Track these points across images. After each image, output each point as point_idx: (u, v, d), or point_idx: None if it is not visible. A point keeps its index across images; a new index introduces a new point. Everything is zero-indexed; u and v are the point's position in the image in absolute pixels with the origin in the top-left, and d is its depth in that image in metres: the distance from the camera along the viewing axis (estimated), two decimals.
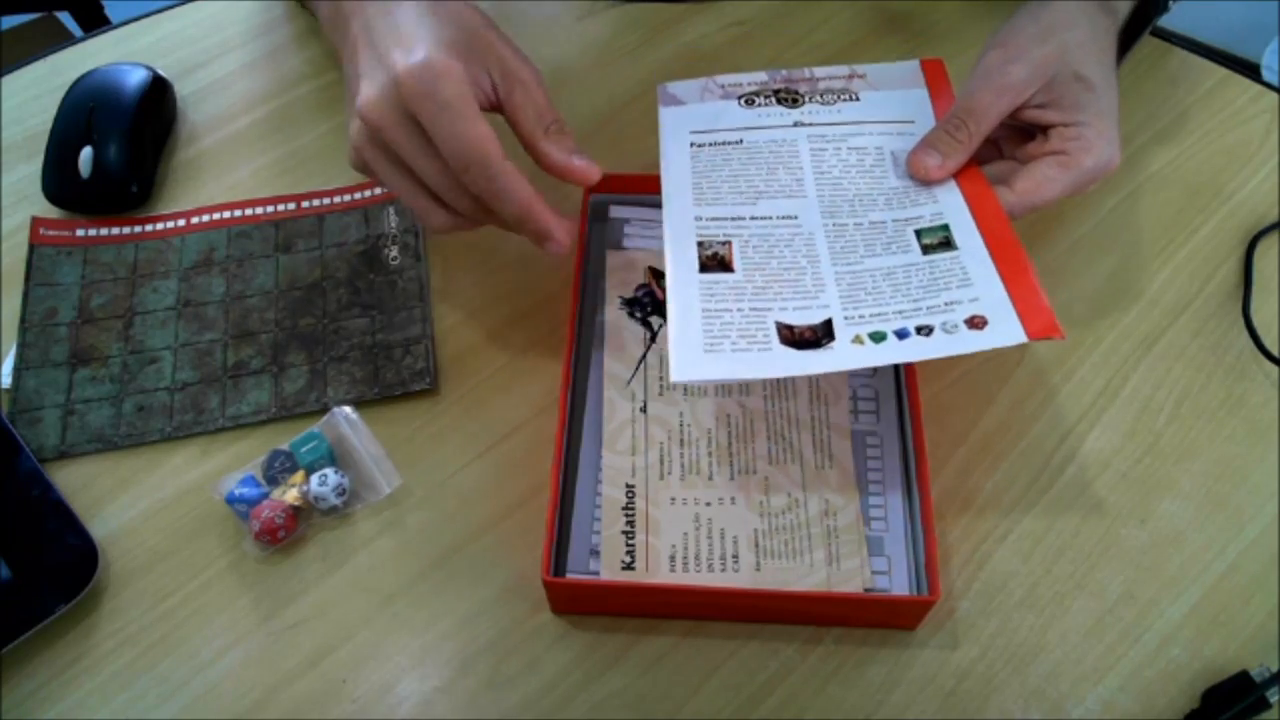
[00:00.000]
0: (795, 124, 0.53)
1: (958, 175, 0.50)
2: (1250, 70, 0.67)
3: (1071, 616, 0.46)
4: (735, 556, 0.45)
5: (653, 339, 0.51)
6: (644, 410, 0.49)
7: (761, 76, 0.56)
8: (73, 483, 0.50)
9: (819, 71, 0.55)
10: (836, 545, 0.45)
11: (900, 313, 0.44)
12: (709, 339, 0.44)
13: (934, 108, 0.53)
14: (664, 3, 0.71)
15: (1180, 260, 0.58)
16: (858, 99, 0.54)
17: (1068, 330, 0.55)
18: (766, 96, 0.54)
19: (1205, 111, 0.65)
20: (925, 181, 0.50)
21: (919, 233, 0.48)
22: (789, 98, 0.54)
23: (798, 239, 0.48)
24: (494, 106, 0.47)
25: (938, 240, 0.47)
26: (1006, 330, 0.42)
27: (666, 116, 0.55)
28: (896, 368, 0.51)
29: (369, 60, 0.44)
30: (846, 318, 0.44)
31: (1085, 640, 0.45)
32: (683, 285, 0.46)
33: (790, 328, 0.44)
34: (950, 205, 0.49)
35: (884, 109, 0.53)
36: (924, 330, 0.43)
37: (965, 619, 0.46)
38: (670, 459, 0.48)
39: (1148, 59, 0.67)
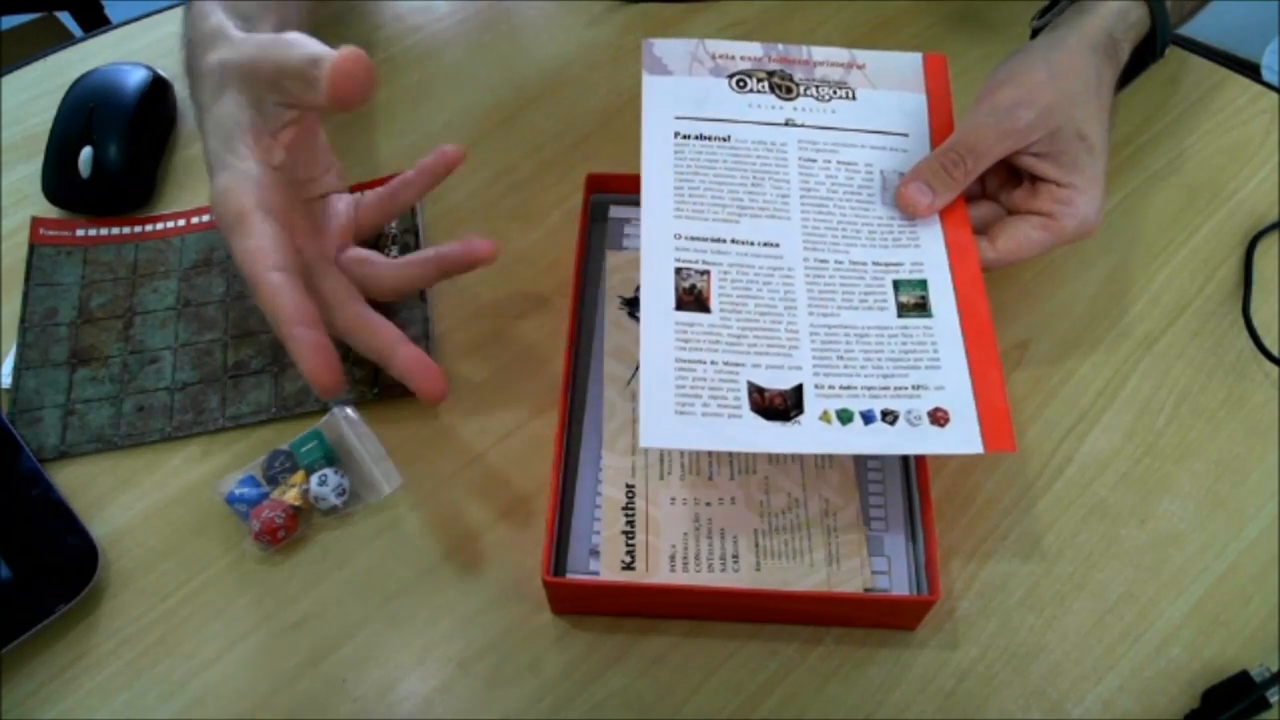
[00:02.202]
0: (786, 122, 0.52)
1: (943, 214, 0.49)
2: (1250, 70, 0.67)
3: (1071, 616, 0.46)
4: (735, 556, 0.45)
5: None
6: None
7: (755, 50, 0.53)
8: (73, 483, 0.50)
9: (817, 53, 0.53)
10: (836, 545, 0.45)
11: (869, 389, 0.45)
12: (680, 398, 0.43)
13: (930, 119, 0.52)
14: (664, 3, 0.71)
15: (1180, 260, 0.58)
16: (854, 98, 0.53)
17: (1067, 330, 0.55)
18: (759, 80, 0.52)
19: (1205, 111, 0.65)
20: (913, 216, 0.49)
21: (897, 285, 0.47)
22: (782, 85, 0.52)
23: (776, 275, 0.47)
24: (297, 105, 0.45)
25: (914, 300, 0.47)
26: (965, 436, 0.43)
27: (650, 89, 0.52)
28: None
29: None
30: (817, 386, 0.45)
31: (1085, 640, 0.45)
32: (657, 325, 0.45)
33: (761, 391, 0.44)
34: (931, 254, 0.48)
35: (879, 115, 0.52)
36: (889, 416, 0.44)
37: (965, 619, 0.46)
38: (670, 459, 0.48)
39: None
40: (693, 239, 0.48)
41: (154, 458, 0.51)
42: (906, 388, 0.45)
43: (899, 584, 0.45)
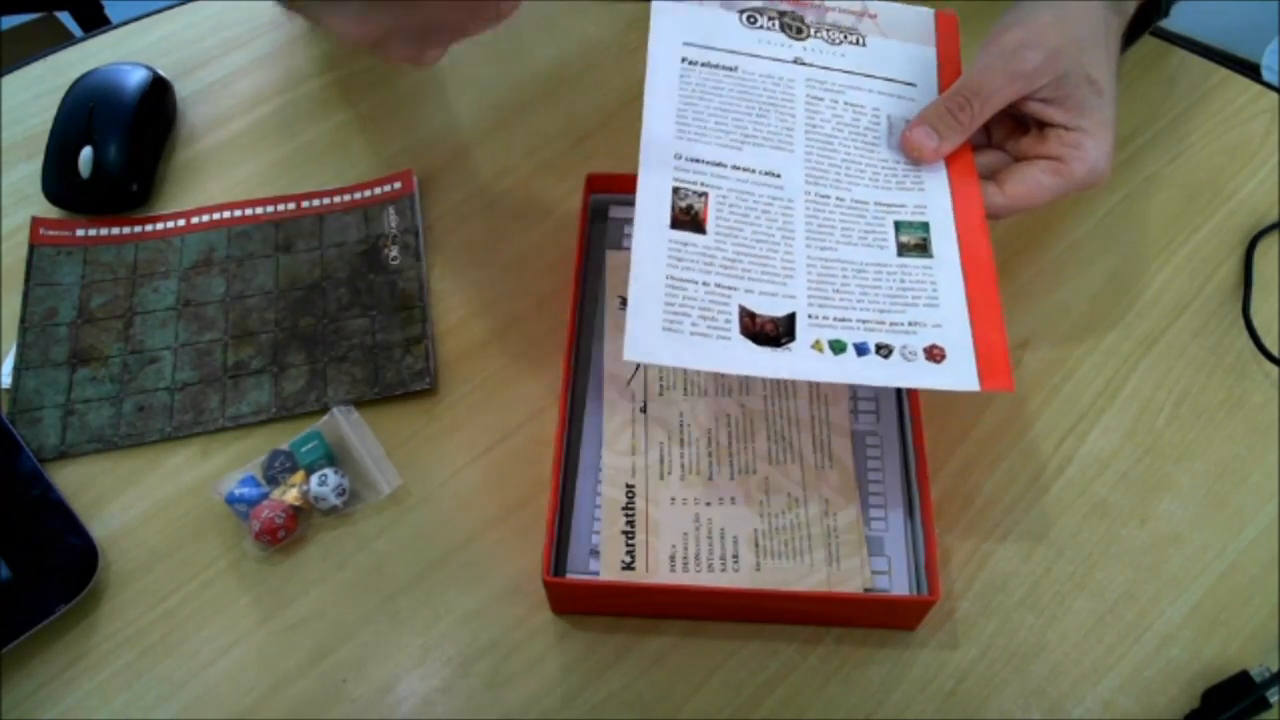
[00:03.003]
0: (795, 60, 0.51)
1: (949, 160, 0.49)
2: (1250, 70, 0.67)
3: (1071, 616, 0.46)
4: (735, 556, 0.45)
5: None
6: (644, 410, 0.49)
7: None
8: (73, 483, 0.50)
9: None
10: (836, 545, 0.45)
11: (864, 323, 0.44)
12: (669, 315, 0.42)
13: (939, 72, 0.51)
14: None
15: (1180, 260, 0.58)
16: (864, 44, 0.52)
17: (1067, 330, 0.55)
18: (770, 17, 0.52)
19: (1205, 111, 0.65)
20: (918, 161, 0.48)
21: (898, 226, 0.47)
22: (793, 26, 0.52)
23: (776, 205, 0.47)
24: None
25: (915, 240, 0.46)
26: (961, 373, 0.42)
27: (660, 14, 0.51)
28: None
29: None
30: (810, 316, 0.44)
31: (1085, 640, 0.45)
32: (651, 240, 0.44)
33: (753, 316, 0.43)
34: (935, 199, 0.48)
35: (888, 63, 0.52)
36: (883, 349, 0.43)
37: (965, 619, 0.46)
38: (670, 459, 0.48)
39: (1148, 59, 0.67)
40: (693, 160, 0.47)
41: (154, 458, 0.51)
42: (903, 323, 0.44)
43: (899, 584, 0.45)
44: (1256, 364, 0.54)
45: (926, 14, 0.53)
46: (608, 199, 0.57)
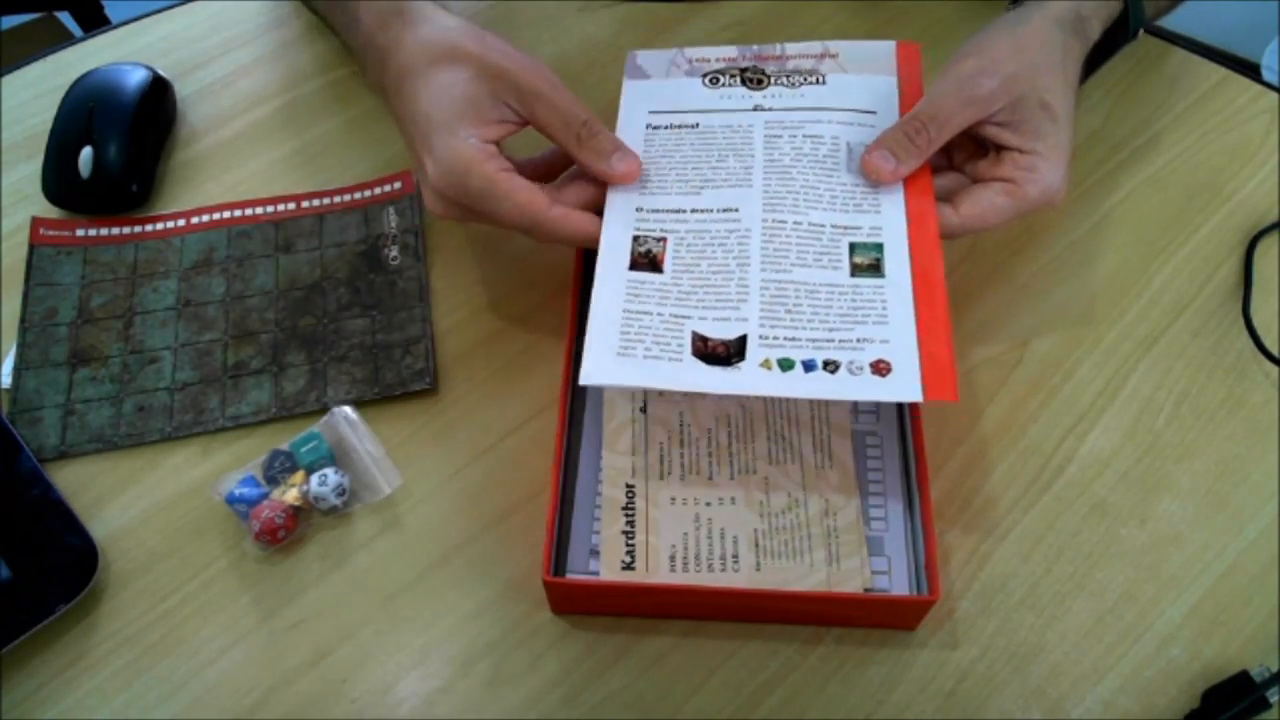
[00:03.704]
0: (755, 108, 0.53)
1: (907, 181, 0.49)
2: (1250, 70, 0.67)
3: (1071, 616, 0.46)
4: (735, 556, 0.45)
5: None
6: (644, 410, 0.49)
7: (731, 52, 0.55)
8: (73, 483, 0.50)
9: (791, 48, 0.54)
10: (836, 545, 0.45)
11: (813, 341, 0.45)
12: (624, 342, 0.45)
13: (900, 99, 0.52)
14: (664, 2, 0.71)
15: (1180, 260, 0.58)
16: (824, 82, 0.53)
17: (1067, 330, 0.55)
18: (732, 75, 0.54)
19: (1205, 111, 0.65)
20: (877, 183, 0.49)
21: (853, 247, 0.47)
22: (754, 78, 0.53)
23: (733, 237, 0.48)
24: (524, 123, 0.50)
25: (868, 261, 0.47)
26: (906, 385, 0.43)
27: (629, 91, 0.54)
28: None
29: (415, 161, 0.49)
30: (762, 336, 0.45)
31: (1085, 640, 0.45)
32: (610, 280, 0.47)
33: (705, 340, 0.45)
34: (891, 220, 0.48)
35: (848, 95, 0.53)
36: (830, 365, 0.44)
37: (965, 619, 0.46)
38: (670, 459, 0.48)
39: (1148, 59, 0.67)
40: (654, 211, 0.49)
41: (154, 458, 0.51)
42: (851, 340, 0.45)
43: (899, 584, 0.45)
44: (1256, 364, 0.54)
45: (888, 47, 0.54)
46: None
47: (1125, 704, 0.44)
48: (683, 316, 0.46)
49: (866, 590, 0.44)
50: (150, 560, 0.48)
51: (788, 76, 0.54)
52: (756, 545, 0.45)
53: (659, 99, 0.54)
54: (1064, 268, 0.57)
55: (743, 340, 0.45)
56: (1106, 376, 0.53)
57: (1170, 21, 0.61)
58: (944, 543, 0.48)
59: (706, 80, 0.54)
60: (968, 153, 0.52)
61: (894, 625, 0.45)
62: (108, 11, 1.26)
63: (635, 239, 0.48)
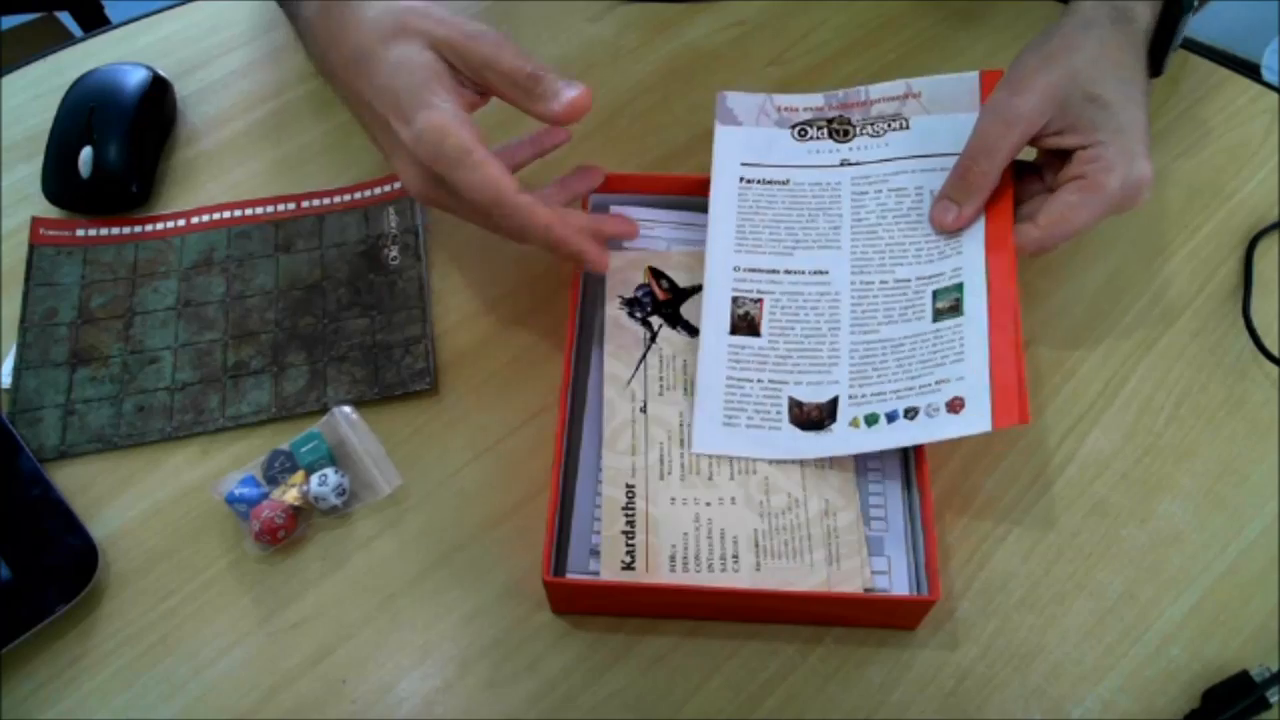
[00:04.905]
0: (842, 163, 0.54)
1: (987, 213, 0.50)
2: (1250, 70, 0.67)
3: (1071, 616, 0.46)
4: (735, 556, 0.45)
5: (653, 339, 0.51)
6: (644, 410, 0.49)
7: (818, 101, 0.56)
8: (73, 483, 0.50)
9: (874, 91, 0.55)
10: (836, 545, 0.45)
11: (896, 392, 0.47)
12: (729, 411, 0.48)
13: None
14: (664, 2, 0.71)
15: (1180, 260, 0.58)
16: (908, 126, 0.54)
17: (1067, 330, 0.55)
18: (819, 127, 0.55)
19: (1205, 111, 0.65)
20: (947, 232, 0.50)
21: (935, 294, 0.49)
22: (840, 130, 0.55)
23: (824, 300, 0.50)
24: (484, 95, 0.48)
25: (949, 304, 0.48)
26: (977, 418, 0.45)
27: (722, 138, 0.56)
28: None
29: (386, 137, 0.48)
30: (851, 397, 0.47)
31: (1085, 640, 0.45)
32: (713, 346, 0.50)
33: (800, 405, 0.48)
34: (970, 258, 0.49)
35: (931, 140, 0.53)
36: (910, 413, 0.46)
37: (965, 619, 0.46)
38: (670, 459, 0.48)
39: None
40: (750, 270, 0.52)
41: (154, 458, 0.51)
42: (930, 384, 0.46)
43: (899, 584, 0.45)
44: (1256, 364, 0.54)
45: (970, 78, 0.54)
46: (608, 199, 0.57)
47: (1125, 704, 0.44)
48: (780, 382, 0.49)
49: (866, 590, 0.44)
50: (150, 560, 0.48)
51: (872, 125, 0.55)
52: (756, 545, 0.45)
53: (751, 149, 0.55)
54: (1064, 268, 0.57)
55: (834, 402, 0.47)
56: (1106, 376, 0.53)
57: None
58: (944, 543, 0.48)
59: (795, 133, 0.56)
60: (1054, 170, 0.51)
61: (894, 625, 0.45)
62: (108, 11, 1.26)
63: (734, 300, 0.51)
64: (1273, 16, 1.63)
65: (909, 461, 0.48)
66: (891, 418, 0.46)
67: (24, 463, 0.49)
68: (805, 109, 0.56)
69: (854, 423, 0.47)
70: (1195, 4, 0.53)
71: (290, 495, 0.47)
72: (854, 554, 0.45)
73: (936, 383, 0.46)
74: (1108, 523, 0.49)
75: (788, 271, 0.51)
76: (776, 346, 0.50)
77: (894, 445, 0.46)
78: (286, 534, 0.47)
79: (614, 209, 0.57)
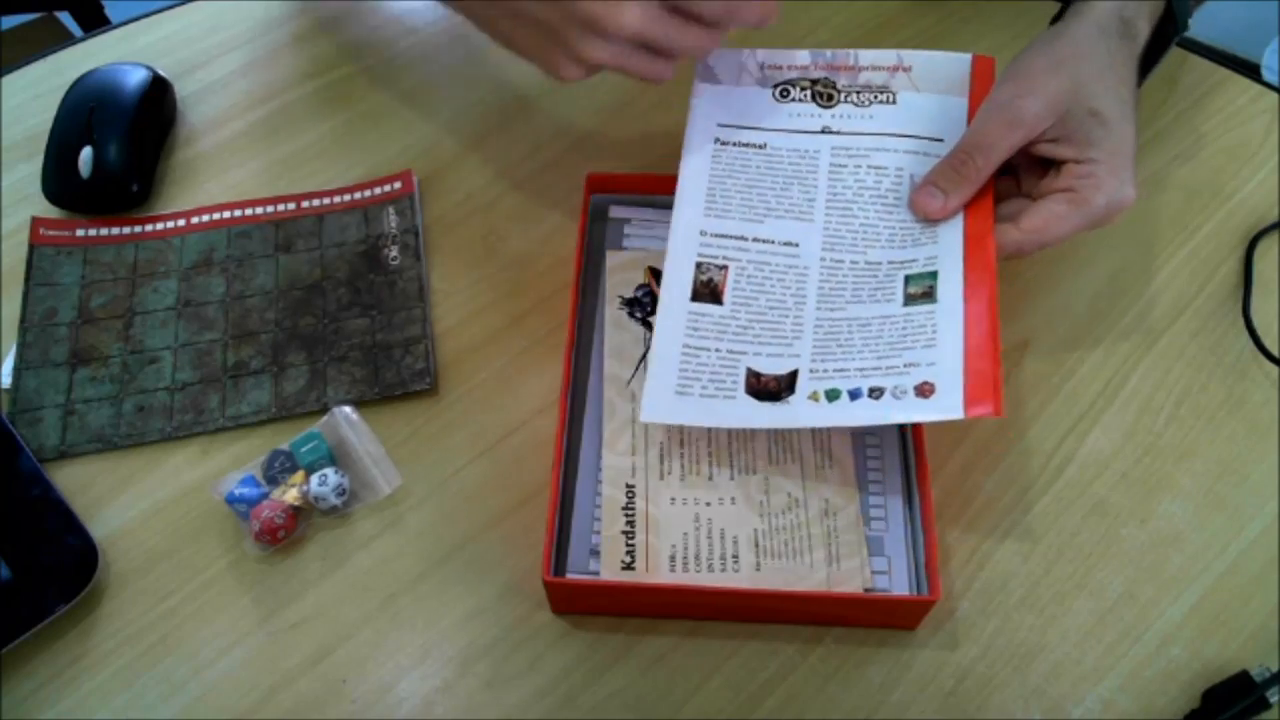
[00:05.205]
0: (823, 130, 0.52)
1: (967, 208, 0.49)
2: (1250, 70, 0.67)
3: (1071, 616, 0.46)
4: (735, 556, 0.45)
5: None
6: None
7: (804, 58, 0.54)
8: (73, 483, 0.50)
9: (864, 57, 0.53)
10: (836, 545, 0.45)
11: (861, 370, 0.45)
12: (682, 380, 0.46)
13: (969, 124, 0.51)
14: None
15: (1180, 260, 0.58)
16: (894, 101, 0.53)
17: (1067, 330, 0.55)
18: (802, 88, 0.53)
19: (1205, 111, 0.65)
20: (928, 220, 0.49)
21: (908, 279, 0.48)
22: (824, 93, 0.53)
23: (791, 273, 0.49)
24: None
25: (922, 290, 0.47)
26: (948, 404, 0.43)
27: (700, 96, 0.53)
28: None
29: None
30: (812, 370, 0.46)
31: (1085, 640, 0.45)
32: (672, 313, 0.48)
33: (758, 376, 0.46)
34: (947, 248, 0.48)
35: (917, 119, 0.52)
36: (875, 392, 0.45)
37: (965, 619, 0.46)
38: (670, 459, 0.48)
39: None
40: (717, 236, 0.50)
41: (154, 458, 0.51)
42: (898, 366, 0.45)
43: (899, 584, 0.45)
44: (1256, 364, 0.54)
45: (963, 60, 0.53)
46: (608, 199, 0.57)
47: (1125, 704, 0.44)
48: (739, 353, 0.47)
49: (866, 590, 0.44)
50: (150, 560, 0.48)
51: (858, 93, 0.53)
52: (756, 545, 0.45)
53: (729, 109, 0.53)
54: (1064, 268, 0.57)
55: (793, 375, 0.46)
56: (1106, 376, 0.53)
57: None
58: (944, 543, 0.48)
59: (777, 93, 0.53)
60: (1034, 176, 0.51)
61: (894, 625, 0.45)
62: (108, 11, 1.26)
63: (698, 265, 0.49)
64: (1273, 16, 1.63)
65: (909, 461, 0.48)
66: (855, 395, 0.45)
67: (24, 463, 0.49)
68: (790, 67, 0.54)
69: (813, 396, 0.45)
70: (1187, 25, 0.53)
71: (290, 495, 0.47)
72: (854, 554, 0.45)
73: (905, 365, 0.45)
74: (1108, 523, 0.49)
75: (756, 240, 0.50)
76: (738, 316, 0.48)
77: (855, 423, 0.44)
78: (286, 534, 0.47)
79: (614, 209, 0.57)
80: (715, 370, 0.46)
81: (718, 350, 0.47)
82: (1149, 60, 0.53)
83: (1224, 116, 0.64)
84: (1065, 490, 0.49)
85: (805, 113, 0.53)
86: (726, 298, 0.48)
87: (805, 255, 0.49)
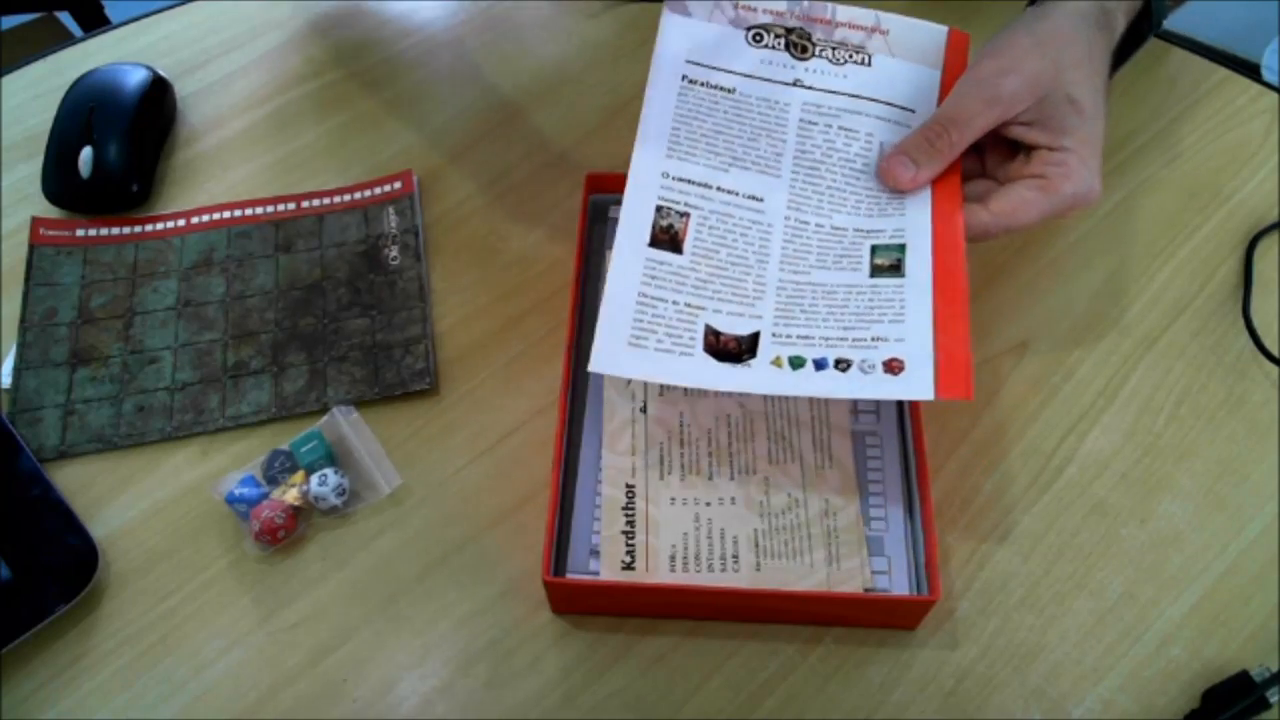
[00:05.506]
0: (794, 83, 0.51)
1: (935, 183, 0.48)
2: (1250, 70, 0.67)
3: (1071, 616, 0.46)
4: (735, 556, 0.45)
5: None
6: (644, 410, 0.49)
7: (781, 4, 0.52)
8: (73, 483, 0.50)
9: (841, 13, 0.52)
10: (836, 545, 0.45)
11: (826, 339, 0.45)
12: (636, 331, 0.45)
13: (940, 97, 0.51)
14: (665, 2, 0.71)
15: (1180, 260, 0.58)
16: (869, 64, 0.52)
17: (1067, 330, 0.55)
18: (777, 35, 0.52)
19: (1205, 111, 0.65)
20: (897, 190, 0.48)
21: (874, 249, 0.47)
22: (798, 44, 0.51)
23: (755, 229, 0.48)
24: None
25: (889, 262, 0.47)
26: (918, 383, 0.43)
27: (668, 26, 0.51)
28: None
29: None
30: (774, 335, 0.45)
31: (1085, 640, 0.45)
32: (629, 257, 0.46)
33: (717, 334, 0.45)
34: (915, 222, 0.47)
35: (890, 86, 0.51)
36: (842, 364, 0.44)
37: (965, 619, 0.46)
38: (670, 459, 0.48)
39: (1147, 59, 0.67)
40: (679, 179, 0.48)
41: (154, 458, 0.51)
42: (865, 339, 0.44)
43: (899, 584, 0.45)
44: (1256, 364, 0.54)
45: (939, 32, 0.52)
46: (608, 199, 0.57)
47: (1125, 704, 0.44)
48: (698, 307, 0.45)
49: (866, 590, 0.44)
50: (150, 560, 0.48)
51: (833, 49, 0.52)
52: (756, 545, 0.45)
53: (698, 46, 0.51)
54: (1064, 268, 0.57)
55: (755, 337, 0.45)
56: (1106, 376, 0.53)
57: (1170, 21, 0.60)
58: (944, 543, 0.48)
59: (750, 36, 0.51)
60: (1000, 157, 0.50)
61: (894, 625, 0.45)
62: (108, 11, 1.26)
63: (659, 209, 0.47)
64: (1273, 16, 1.63)
65: (909, 461, 0.48)
66: (820, 365, 0.44)
67: (24, 463, 0.49)
68: (765, 10, 0.52)
69: (776, 361, 0.44)
70: (1158, 27, 0.53)
71: (290, 495, 0.47)
72: (854, 554, 0.45)
73: (873, 339, 0.44)
74: (1108, 523, 0.49)
75: (720, 189, 0.48)
76: (698, 269, 0.46)
77: (822, 394, 0.44)
78: (286, 534, 0.47)
79: (614, 209, 0.57)
80: (672, 323, 0.45)
81: (675, 302, 0.45)
82: (1120, 56, 0.53)
83: (1224, 116, 0.64)
84: (1065, 490, 0.49)
85: (778, 61, 0.52)
86: (687, 247, 0.47)
87: (770, 212, 0.48)
